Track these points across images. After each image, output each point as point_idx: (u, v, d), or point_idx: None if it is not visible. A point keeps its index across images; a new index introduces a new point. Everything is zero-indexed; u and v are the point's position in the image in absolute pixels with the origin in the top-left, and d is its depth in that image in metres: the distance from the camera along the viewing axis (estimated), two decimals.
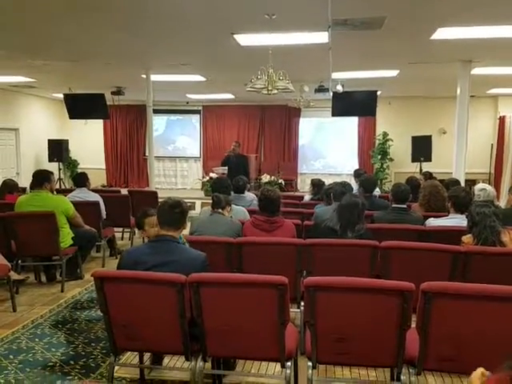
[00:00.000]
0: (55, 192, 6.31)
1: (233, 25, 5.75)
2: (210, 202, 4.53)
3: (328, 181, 7.69)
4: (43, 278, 5.85)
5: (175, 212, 3.11)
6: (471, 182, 8.76)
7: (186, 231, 3.51)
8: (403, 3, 4.93)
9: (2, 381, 3.40)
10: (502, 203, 9.13)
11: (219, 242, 3.93)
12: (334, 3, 4.36)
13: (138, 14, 5.37)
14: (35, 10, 5.19)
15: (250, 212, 5.10)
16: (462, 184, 6.70)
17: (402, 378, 2.80)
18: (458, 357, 2.64)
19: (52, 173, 6.02)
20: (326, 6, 4.36)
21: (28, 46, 6.86)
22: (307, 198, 7.23)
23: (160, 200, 6.57)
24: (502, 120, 11.33)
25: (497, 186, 11.19)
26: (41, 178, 5.70)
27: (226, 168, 10.60)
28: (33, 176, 5.82)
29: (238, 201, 5.54)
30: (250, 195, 6.38)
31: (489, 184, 10.98)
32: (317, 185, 6.92)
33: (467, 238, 3.77)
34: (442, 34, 6.01)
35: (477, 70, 8.08)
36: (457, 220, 4.38)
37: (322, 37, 5.95)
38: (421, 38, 6.25)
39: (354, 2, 4.88)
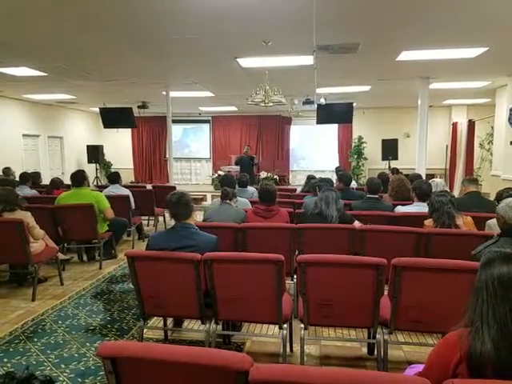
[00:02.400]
0: (92, 186, 6.21)
1: (236, 50, 5.72)
2: (219, 194, 4.49)
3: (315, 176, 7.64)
4: (84, 258, 5.85)
5: (179, 205, 2.99)
6: (430, 176, 8.73)
7: (199, 218, 3.48)
8: (373, 32, 4.92)
9: (53, 341, 3.40)
10: (456, 193, 9.12)
11: (228, 226, 3.90)
12: (317, 32, 4.33)
13: (159, 42, 5.34)
14: (73, 42, 5.17)
15: (252, 202, 5.08)
16: (424, 178, 6.66)
17: (377, 336, 2.79)
18: (422, 318, 2.64)
19: (85, 171, 5.93)
20: (312, 35, 4.33)
21: (68, 68, 6.81)
22: (299, 189, 7.20)
23: None
24: (454, 125, 11.32)
25: (451, 179, 11.18)
26: (81, 178, 5.62)
27: (232, 167, 10.48)
28: (72, 177, 5.67)
29: (241, 193, 5.48)
30: (251, 189, 6.32)
31: (444, 178, 11.03)
32: (309, 179, 6.86)
33: (428, 222, 3.74)
34: (406, 56, 6.00)
35: (434, 85, 8.08)
36: (419, 207, 4.35)
37: (308, 59, 5.93)
38: (388, 59, 6.23)
39: (333, 32, 4.86)
